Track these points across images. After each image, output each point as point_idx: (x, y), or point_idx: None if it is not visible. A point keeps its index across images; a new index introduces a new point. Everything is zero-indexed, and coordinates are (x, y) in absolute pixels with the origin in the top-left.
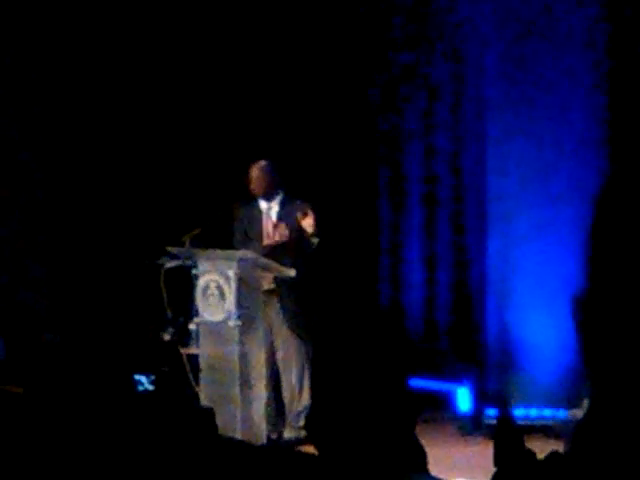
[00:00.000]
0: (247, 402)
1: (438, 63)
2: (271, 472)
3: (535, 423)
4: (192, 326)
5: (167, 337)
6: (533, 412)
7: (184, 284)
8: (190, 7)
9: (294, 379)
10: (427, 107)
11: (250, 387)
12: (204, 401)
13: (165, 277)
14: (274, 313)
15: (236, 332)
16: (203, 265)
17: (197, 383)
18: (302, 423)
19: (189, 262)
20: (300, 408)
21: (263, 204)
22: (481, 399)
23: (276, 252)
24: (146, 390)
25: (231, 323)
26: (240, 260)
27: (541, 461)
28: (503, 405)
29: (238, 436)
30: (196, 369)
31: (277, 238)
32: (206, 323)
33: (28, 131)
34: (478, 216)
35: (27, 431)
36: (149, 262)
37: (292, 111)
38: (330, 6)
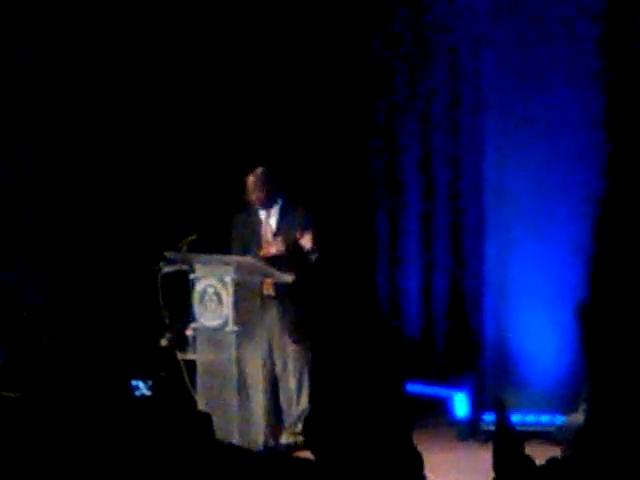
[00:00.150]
0: (244, 407)
1: (436, 66)
2: (268, 477)
3: (532, 428)
4: (189, 331)
5: (164, 342)
6: (530, 417)
7: (181, 289)
8: (188, 17)
9: (292, 385)
10: (424, 112)
11: (247, 393)
12: (201, 406)
13: (162, 282)
14: (272, 319)
15: (233, 338)
16: (200, 270)
17: (194, 388)
18: (300, 428)
19: (186, 267)
20: (298, 413)
21: (262, 212)
22: (478, 404)
23: (273, 263)
24: (143, 395)
25: (228, 329)
26: (238, 265)
27: (540, 467)
28: (501, 411)
29: (235, 441)
30: (193, 374)
31: (273, 251)
32: (203, 328)
33: (27, 137)
34: (475, 221)
35: (25, 435)
36: (146, 267)
37: (288, 116)
38: (327, 12)
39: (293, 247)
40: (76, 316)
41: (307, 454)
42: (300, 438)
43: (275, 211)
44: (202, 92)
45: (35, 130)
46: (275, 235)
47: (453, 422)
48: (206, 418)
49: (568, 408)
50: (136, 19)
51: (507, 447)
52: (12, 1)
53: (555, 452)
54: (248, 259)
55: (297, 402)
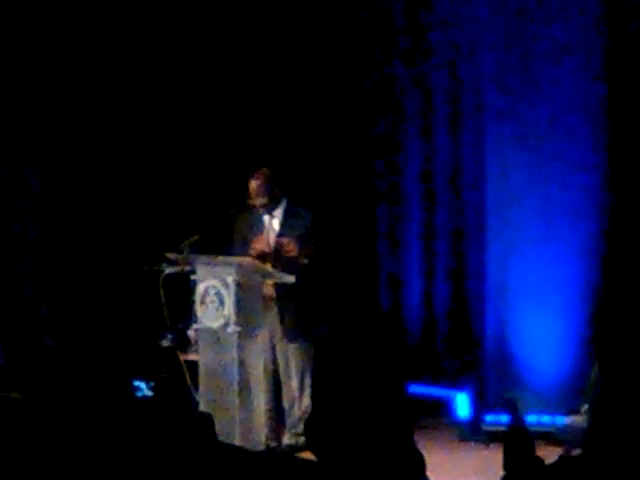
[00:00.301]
0: (246, 408)
1: (436, 68)
2: (270, 478)
3: (533, 429)
4: (191, 332)
5: (166, 343)
6: (532, 419)
7: (183, 290)
8: (189, 18)
9: (294, 385)
10: (425, 117)
11: (249, 393)
12: (203, 407)
13: (164, 283)
14: (273, 319)
15: (235, 338)
16: (202, 271)
17: (196, 389)
18: (301, 429)
19: (188, 268)
20: (299, 414)
21: (265, 214)
22: (480, 405)
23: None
24: (145, 396)
25: (230, 329)
26: (239, 266)
27: (549, 466)
28: (514, 411)
29: (237, 442)
30: (195, 375)
31: (260, 247)
32: (205, 329)
33: (27, 140)
34: (477, 224)
35: (26, 436)
36: (148, 268)
37: (289, 117)
38: (328, 13)
39: (277, 249)
40: (78, 317)
41: (309, 455)
42: (302, 439)
43: (278, 212)
44: (203, 93)
45: (36, 130)
46: (278, 237)
47: (455, 423)
48: (208, 419)
49: (569, 409)
50: (137, 21)
51: (519, 447)
52: (11, 3)
53: (557, 453)
54: (249, 260)
55: (299, 403)
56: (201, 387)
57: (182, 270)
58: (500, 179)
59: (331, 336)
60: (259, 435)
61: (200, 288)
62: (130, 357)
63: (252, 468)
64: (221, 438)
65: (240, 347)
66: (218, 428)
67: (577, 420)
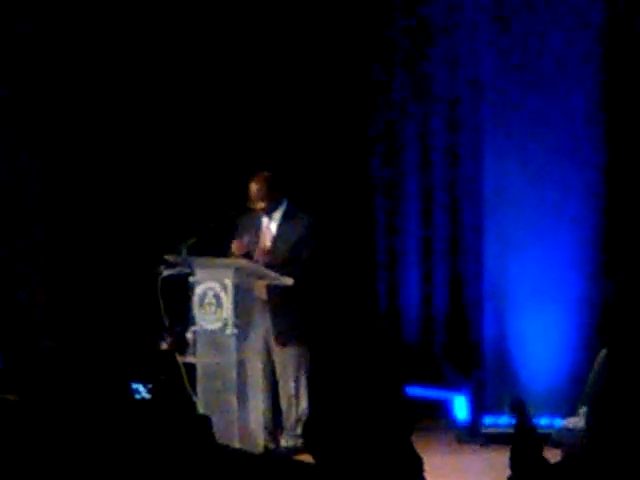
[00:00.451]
0: (244, 410)
1: (435, 68)
2: None
3: None
4: (189, 334)
5: (164, 345)
6: None
7: (181, 292)
8: (189, 19)
9: (291, 387)
10: (424, 119)
11: (247, 395)
12: (201, 409)
13: (162, 285)
14: (265, 322)
15: (233, 340)
16: (200, 273)
17: (194, 392)
18: (299, 431)
19: (186, 270)
20: (297, 416)
21: (264, 216)
22: (478, 407)
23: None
24: (143, 398)
25: (228, 331)
26: (237, 268)
27: (554, 464)
28: (522, 412)
29: (235, 444)
30: (193, 378)
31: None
32: (203, 331)
33: (27, 140)
34: (475, 226)
35: (25, 438)
36: (146, 270)
37: (289, 119)
38: (329, 19)
39: (290, 249)
40: (76, 319)
41: (307, 457)
42: (300, 441)
43: (277, 215)
44: (203, 95)
45: (35, 133)
46: (274, 240)
47: (453, 425)
48: (206, 421)
49: (567, 411)
50: (138, 22)
51: (526, 447)
52: (11, 4)
53: (555, 455)
54: (247, 262)
55: (297, 405)
56: (199, 389)
57: (180, 272)
58: (498, 182)
59: (329, 338)
60: (257, 437)
61: (198, 290)
62: (128, 359)
63: (250, 470)
64: (219, 440)
65: (238, 349)
66: (216, 430)
67: (575, 422)
